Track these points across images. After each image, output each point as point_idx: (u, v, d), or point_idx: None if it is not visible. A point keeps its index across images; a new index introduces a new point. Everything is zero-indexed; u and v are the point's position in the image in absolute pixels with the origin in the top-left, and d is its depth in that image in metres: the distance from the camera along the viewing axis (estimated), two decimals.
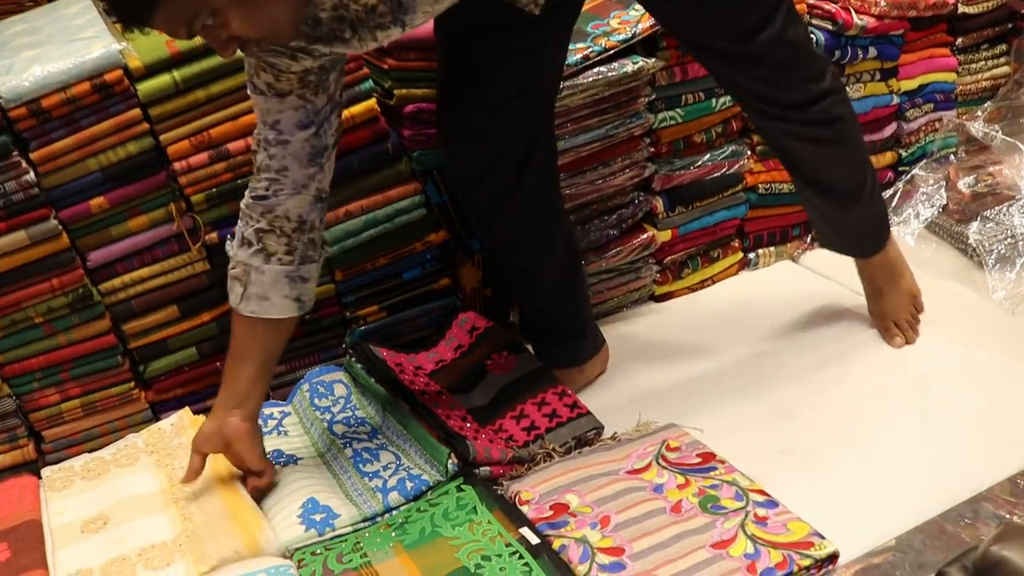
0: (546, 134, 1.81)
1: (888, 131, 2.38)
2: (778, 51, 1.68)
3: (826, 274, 2.28)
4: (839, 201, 1.90)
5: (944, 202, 2.31)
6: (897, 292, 2.01)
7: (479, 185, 1.79)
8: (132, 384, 1.86)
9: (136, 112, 1.70)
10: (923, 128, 2.44)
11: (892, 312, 2.01)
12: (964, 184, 2.27)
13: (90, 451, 1.86)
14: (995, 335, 2.01)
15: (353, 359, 1.97)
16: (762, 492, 1.58)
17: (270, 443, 1.81)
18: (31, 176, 1.65)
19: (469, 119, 1.71)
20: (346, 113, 1.86)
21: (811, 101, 1.75)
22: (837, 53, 2.22)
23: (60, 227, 1.70)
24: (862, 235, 1.98)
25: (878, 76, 2.32)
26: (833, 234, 2.02)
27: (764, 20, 1.64)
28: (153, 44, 1.71)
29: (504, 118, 1.69)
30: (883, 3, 2.24)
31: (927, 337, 2.02)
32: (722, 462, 1.66)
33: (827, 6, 2.22)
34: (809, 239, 2.40)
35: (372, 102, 1.89)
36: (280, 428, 1.87)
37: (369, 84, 1.88)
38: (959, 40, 2.45)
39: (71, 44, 1.67)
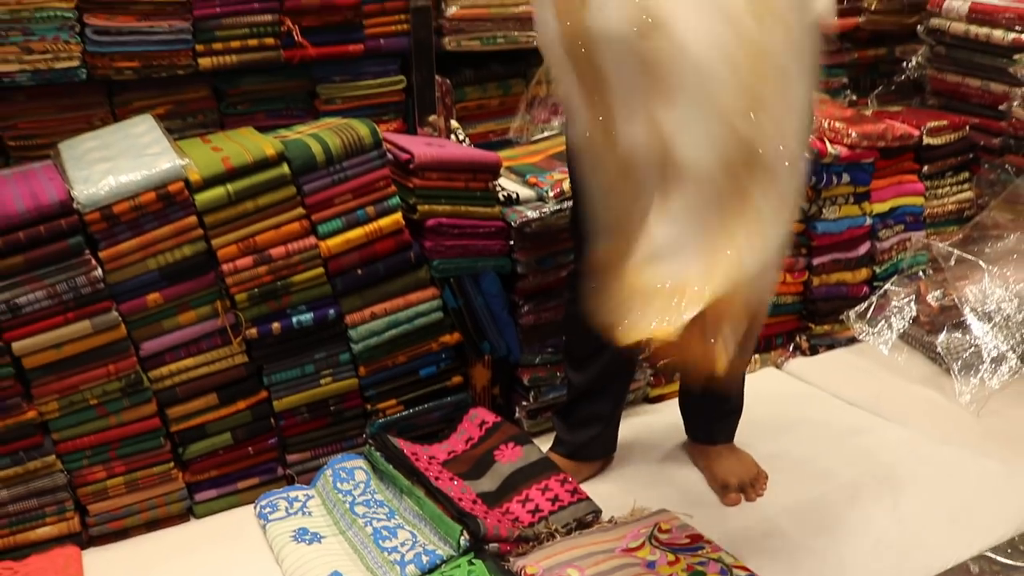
0: None
1: (862, 249, 2.61)
2: None
3: (807, 380, 2.48)
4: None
5: (915, 314, 2.53)
6: (737, 457, 2.11)
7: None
8: (171, 464, 2.03)
9: (193, 219, 1.93)
10: (895, 247, 2.68)
11: (729, 473, 2.08)
12: (932, 298, 2.49)
13: (128, 527, 2.02)
14: (961, 434, 2.19)
15: (373, 448, 2.14)
16: (745, 568, 1.74)
17: (295, 523, 1.97)
18: (99, 272, 1.86)
19: None
20: (374, 225, 2.09)
21: None
22: (814, 178, 2.48)
23: (119, 319, 1.91)
24: (707, 425, 2.13)
25: (852, 199, 2.57)
26: (699, 414, 2.16)
27: None
28: (210, 160, 1.95)
29: None
30: (854, 134, 2.50)
31: (899, 435, 2.20)
32: (709, 542, 1.83)
33: None
34: (792, 348, 2.60)
35: (398, 216, 2.12)
36: (304, 509, 2.03)
37: (396, 200, 2.12)
38: (925, 168, 2.71)
39: (141, 159, 1.91)
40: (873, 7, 3.06)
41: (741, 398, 2.15)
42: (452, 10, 2.56)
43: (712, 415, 2.13)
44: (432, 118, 2.60)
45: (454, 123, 2.63)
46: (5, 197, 1.83)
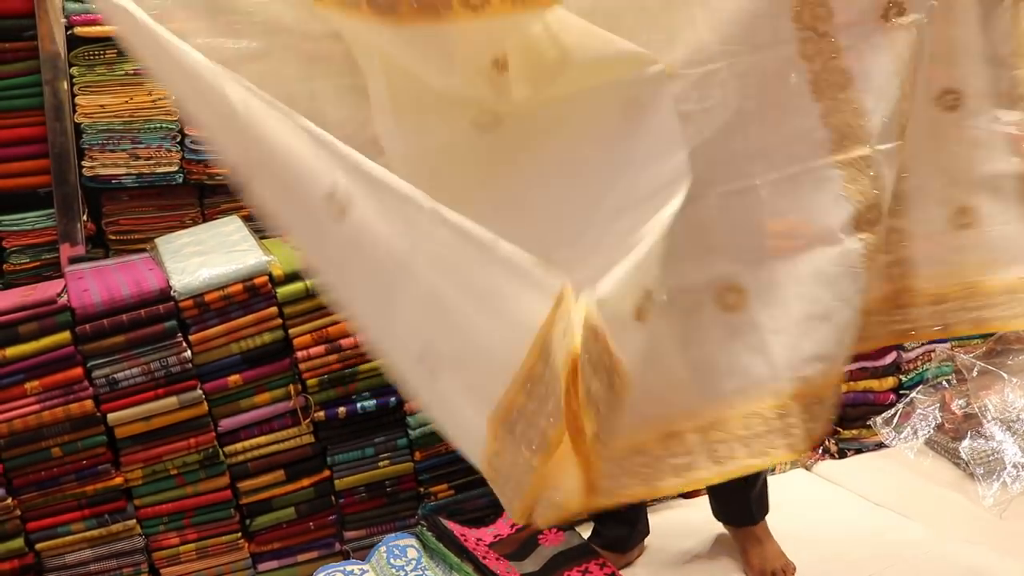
0: None
1: (889, 359, 2.76)
2: None
3: (835, 481, 2.60)
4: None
5: (939, 421, 2.66)
6: (770, 546, 2.23)
7: None
8: (239, 535, 2.19)
9: (274, 310, 2.14)
10: (920, 357, 2.81)
11: (768, 561, 2.21)
12: (956, 406, 2.62)
13: None
14: (984, 534, 2.30)
15: (425, 528, 2.28)
16: None
17: None
18: (188, 354, 2.07)
19: None
20: None
21: None
22: None
23: (203, 396, 2.10)
24: (745, 505, 2.23)
25: None
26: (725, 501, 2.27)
27: None
28: (291, 258, 2.18)
29: None
30: None
31: (924, 535, 2.31)
32: None
33: None
34: (821, 450, 2.73)
35: None
36: None
37: None
38: None
39: (231, 254, 2.14)
40: None
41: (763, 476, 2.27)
42: None
43: (740, 498, 2.25)
44: None
45: None
46: (111, 283, 2.07)
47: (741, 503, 2.25)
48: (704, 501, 2.54)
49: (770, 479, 2.66)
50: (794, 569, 2.20)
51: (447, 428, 1.32)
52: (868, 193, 1.40)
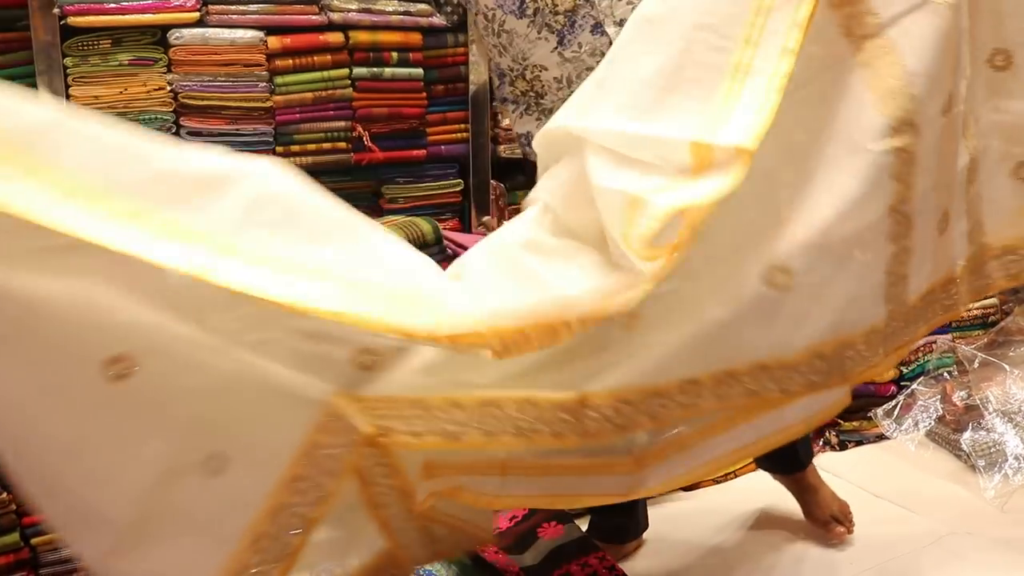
0: None
1: None
2: None
3: (836, 473, 2.58)
4: None
5: (940, 413, 2.65)
6: (825, 490, 2.27)
7: None
8: None
9: None
10: (921, 349, 2.81)
11: (827, 507, 2.25)
12: (958, 398, 2.61)
13: None
14: (986, 526, 2.29)
15: None
16: None
17: None
18: None
19: None
20: None
21: None
22: None
23: None
24: (791, 451, 2.23)
25: None
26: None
27: None
28: None
29: None
30: None
31: (925, 526, 2.30)
32: None
33: None
34: (822, 442, 2.72)
35: None
36: None
37: None
38: None
39: None
40: None
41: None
42: (507, 121, 2.80)
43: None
44: (486, 219, 2.81)
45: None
46: None
47: (787, 449, 2.22)
48: (705, 494, 2.55)
49: (769, 475, 2.67)
50: (849, 507, 2.25)
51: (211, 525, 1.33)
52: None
